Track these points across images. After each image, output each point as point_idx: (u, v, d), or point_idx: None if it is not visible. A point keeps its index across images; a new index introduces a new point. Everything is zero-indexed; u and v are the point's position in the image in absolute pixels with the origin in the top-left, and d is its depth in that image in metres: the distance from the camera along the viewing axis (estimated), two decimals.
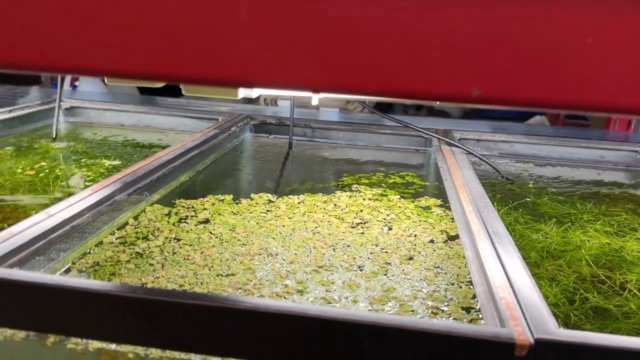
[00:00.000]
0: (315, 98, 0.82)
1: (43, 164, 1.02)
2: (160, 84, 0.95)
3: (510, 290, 0.52)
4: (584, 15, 0.31)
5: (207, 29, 0.31)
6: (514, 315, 0.47)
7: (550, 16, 0.31)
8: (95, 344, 0.51)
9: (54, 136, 1.18)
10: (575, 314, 0.68)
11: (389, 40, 0.35)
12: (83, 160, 1.06)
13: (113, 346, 0.50)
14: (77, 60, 0.36)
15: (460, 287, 0.65)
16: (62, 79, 1.96)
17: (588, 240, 0.86)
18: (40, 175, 0.96)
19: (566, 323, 0.65)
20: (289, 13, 0.30)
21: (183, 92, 0.83)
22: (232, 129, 1.15)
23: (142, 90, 2.17)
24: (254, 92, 0.87)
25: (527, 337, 0.44)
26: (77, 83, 2.19)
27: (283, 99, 1.95)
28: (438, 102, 0.92)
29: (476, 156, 1.11)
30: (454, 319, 0.59)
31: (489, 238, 0.64)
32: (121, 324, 0.48)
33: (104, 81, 2.25)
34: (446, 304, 0.62)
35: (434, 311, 0.60)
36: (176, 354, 0.50)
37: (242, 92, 0.83)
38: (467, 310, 0.61)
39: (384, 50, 0.37)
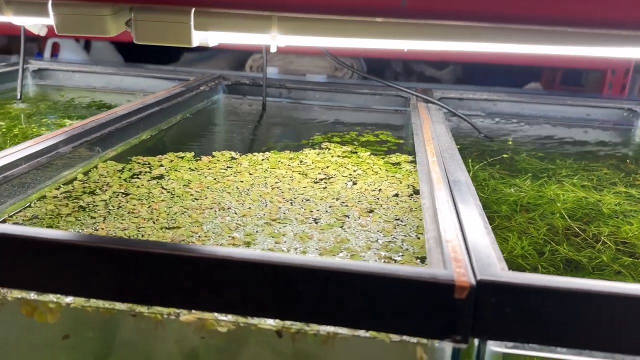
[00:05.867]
0: (273, 45, 0.78)
1: (2, 123, 0.98)
2: (114, 33, 0.90)
3: (460, 234, 0.49)
4: None
5: None
6: (458, 257, 0.44)
7: None
8: (14, 294, 0.48)
9: (18, 97, 1.14)
10: (543, 266, 0.65)
11: None
12: (44, 120, 1.02)
13: (33, 295, 0.47)
14: None
15: (419, 238, 0.62)
16: (38, 46, 1.91)
17: (563, 194, 0.82)
18: None
19: None
20: None
21: (135, 41, 0.79)
22: (200, 87, 1.11)
23: (126, 58, 2.12)
24: (210, 41, 0.82)
25: (468, 278, 0.40)
26: (58, 53, 2.14)
27: (270, 66, 1.90)
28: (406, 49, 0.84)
29: (451, 112, 1.07)
30: None
31: (448, 186, 0.61)
32: (41, 272, 0.45)
33: (86, 49, 2.19)
34: (401, 254, 0.58)
35: (386, 261, 0.57)
36: (100, 303, 0.47)
37: (197, 40, 0.78)
38: (422, 260, 0.57)
39: None
